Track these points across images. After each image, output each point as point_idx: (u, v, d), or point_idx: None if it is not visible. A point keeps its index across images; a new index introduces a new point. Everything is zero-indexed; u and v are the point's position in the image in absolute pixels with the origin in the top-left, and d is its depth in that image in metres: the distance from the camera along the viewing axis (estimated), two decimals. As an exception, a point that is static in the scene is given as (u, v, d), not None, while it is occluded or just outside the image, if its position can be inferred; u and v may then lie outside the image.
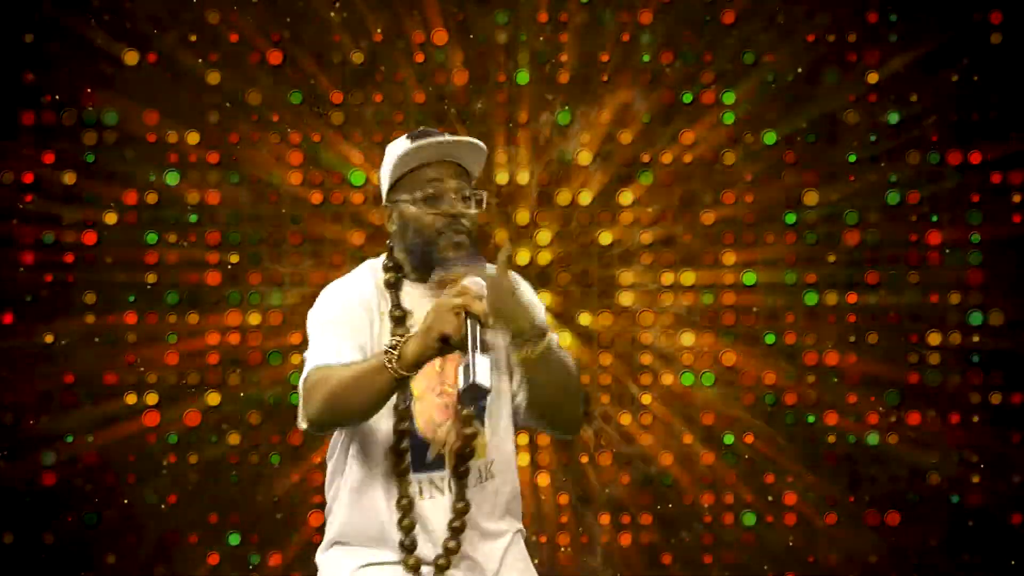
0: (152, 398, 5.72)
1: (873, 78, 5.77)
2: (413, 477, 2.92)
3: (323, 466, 5.84)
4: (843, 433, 5.78)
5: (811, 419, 5.79)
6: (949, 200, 5.79)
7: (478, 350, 2.60)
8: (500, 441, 2.98)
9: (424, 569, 2.94)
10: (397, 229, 2.96)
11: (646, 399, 5.77)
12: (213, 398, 5.73)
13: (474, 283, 2.75)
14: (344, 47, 5.74)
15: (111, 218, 5.73)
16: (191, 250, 5.76)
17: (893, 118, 5.79)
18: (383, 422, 2.92)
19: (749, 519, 5.76)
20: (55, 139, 5.70)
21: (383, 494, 2.95)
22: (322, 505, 5.82)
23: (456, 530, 2.92)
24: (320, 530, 5.77)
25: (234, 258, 5.77)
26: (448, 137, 2.95)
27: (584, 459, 5.75)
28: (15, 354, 5.69)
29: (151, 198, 5.74)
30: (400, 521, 2.92)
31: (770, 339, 5.80)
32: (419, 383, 2.91)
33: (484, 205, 2.96)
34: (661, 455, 5.77)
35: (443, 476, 2.93)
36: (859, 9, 5.77)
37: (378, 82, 5.76)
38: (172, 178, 5.75)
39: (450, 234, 2.89)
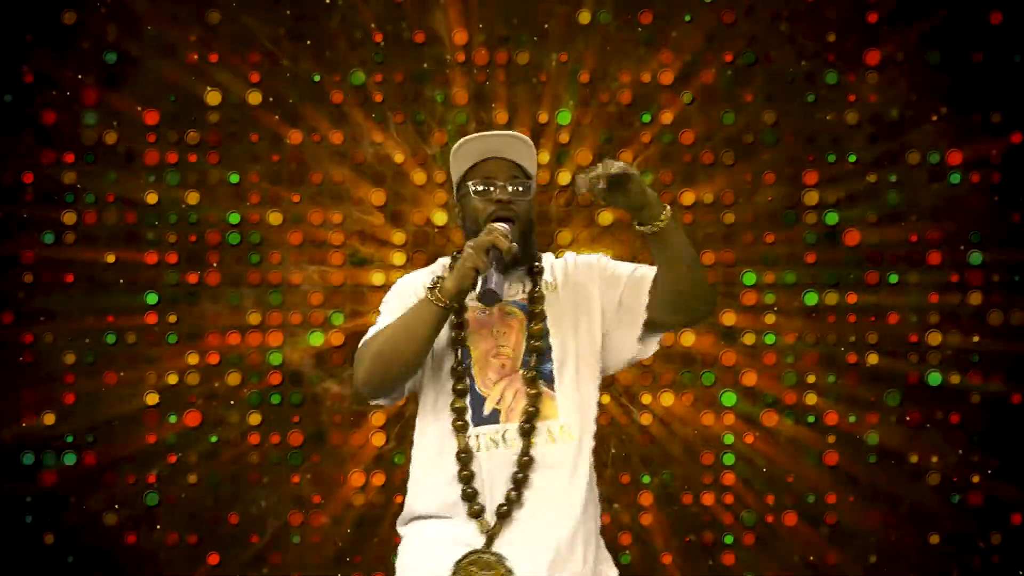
0: (152, 398, 5.72)
1: (873, 78, 5.78)
2: (472, 431, 3.14)
3: (323, 466, 5.88)
4: (843, 433, 5.78)
5: (811, 419, 5.79)
6: (949, 200, 5.80)
7: (496, 270, 3.04)
8: (574, 407, 3.18)
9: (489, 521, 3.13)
10: (461, 221, 3.31)
11: (646, 399, 5.77)
12: (213, 398, 5.73)
13: (500, 226, 3.12)
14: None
15: (111, 218, 5.73)
16: (191, 250, 5.76)
17: (893, 118, 5.79)
18: (445, 385, 3.19)
19: (749, 519, 5.76)
20: (55, 139, 5.70)
21: (446, 449, 3.16)
22: (320, 505, 5.86)
23: (519, 482, 3.10)
24: (319, 529, 5.80)
25: (233, 258, 5.77)
26: (491, 132, 3.28)
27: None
28: (15, 354, 5.69)
29: (151, 198, 5.75)
30: (460, 472, 3.12)
31: (770, 339, 5.80)
32: (478, 346, 3.20)
33: (532, 192, 3.27)
34: (660, 454, 5.78)
35: (498, 430, 3.15)
36: (859, 9, 5.77)
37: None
38: (172, 178, 5.76)
39: (499, 221, 3.18)
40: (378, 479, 5.73)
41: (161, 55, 5.73)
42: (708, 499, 5.77)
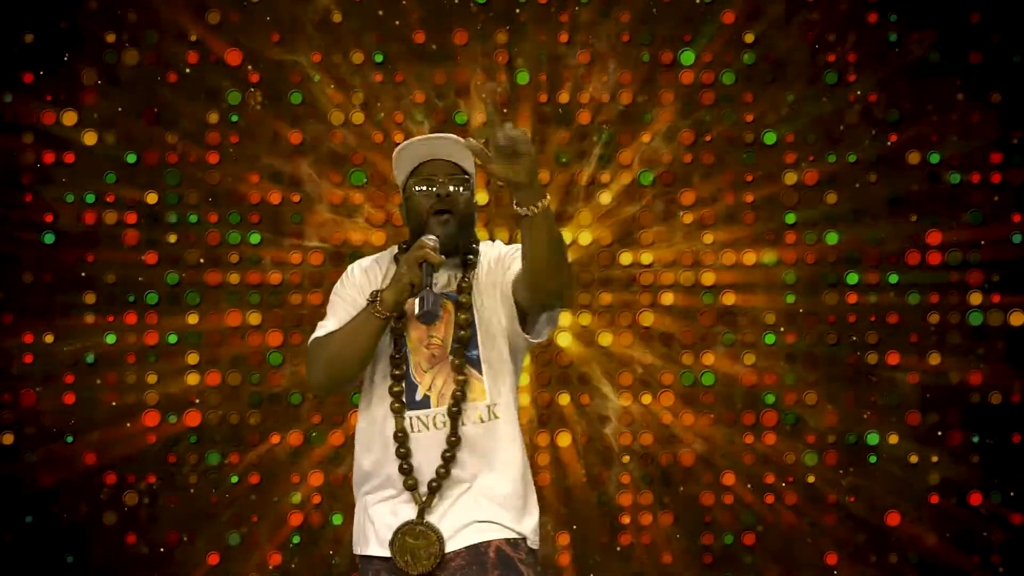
0: (152, 398, 5.72)
1: (873, 78, 5.77)
2: (407, 414, 3.44)
3: (322, 466, 5.87)
4: (843, 433, 5.78)
5: (811, 419, 5.79)
6: (949, 200, 5.79)
7: (431, 287, 3.33)
8: (499, 389, 3.47)
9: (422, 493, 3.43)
10: (405, 217, 3.55)
11: (646, 398, 5.77)
12: (213, 398, 5.74)
13: (429, 239, 3.39)
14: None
15: (111, 218, 5.73)
16: (191, 250, 5.76)
17: (893, 117, 5.79)
18: (384, 369, 3.48)
19: (749, 519, 5.76)
20: (55, 138, 5.70)
21: (383, 430, 3.45)
22: (319, 505, 5.85)
23: (448, 459, 3.40)
24: (320, 529, 5.80)
25: (233, 258, 5.77)
26: (429, 136, 3.55)
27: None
28: (15, 354, 5.69)
29: (151, 198, 5.75)
30: (397, 450, 3.42)
31: (769, 339, 5.80)
32: (411, 335, 3.48)
33: (471, 188, 3.53)
34: (659, 455, 5.77)
35: (429, 414, 3.44)
36: (859, 9, 5.77)
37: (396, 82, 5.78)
38: (172, 178, 5.76)
39: (437, 214, 3.47)
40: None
41: (161, 55, 5.73)
42: (707, 499, 5.77)
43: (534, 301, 3.42)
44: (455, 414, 3.42)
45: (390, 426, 3.45)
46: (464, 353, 3.45)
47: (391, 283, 3.40)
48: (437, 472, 3.41)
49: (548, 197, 3.23)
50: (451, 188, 3.49)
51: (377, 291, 3.41)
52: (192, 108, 5.76)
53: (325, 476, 5.74)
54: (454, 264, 3.50)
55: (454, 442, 3.42)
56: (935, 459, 5.76)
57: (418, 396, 3.46)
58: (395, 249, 3.61)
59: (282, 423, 5.75)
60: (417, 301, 3.32)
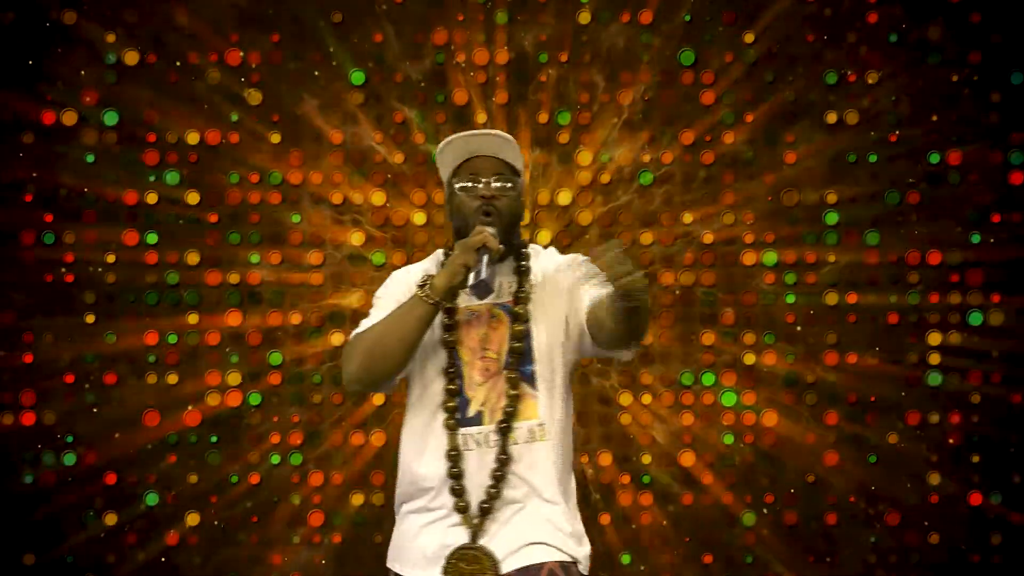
0: (152, 398, 5.72)
1: (873, 78, 5.77)
2: (460, 432, 3.30)
3: (322, 466, 5.88)
4: (843, 433, 5.78)
5: (811, 419, 5.79)
6: (949, 200, 5.80)
7: (487, 265, 3.17)
8: (552, 407, 3.33)
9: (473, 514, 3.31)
10: (449, 214, 3.40)
11: (646, 399, 5.77)
12: (213, 398, 5.73)
13: (488, 228, 3.23)
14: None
15: (111, 218, 5.73)
16: (190, 250, 5.76)
17: (893, 119, 5.79)
18: (435, 383, 3.33)
19: (749, 519, 5.76)
20: (55, 138, 5.70)
21: (433, 447, 3.32)
22: (319, 505, 5.86)
23: (498, 479, 3.27)
24: (319, 529, 5.80)
25: (234, 258, 5.77)
26: (474, 132, 3.38)
27: (584, 459, 5.76)
28: (15, 354, 5.69)
29: (151, 198, 5.74)
30: (450, 469, 3.28)
31: (769, 339, 5.80)
32: (465, 348, 3.32)
33: (518, 187, 3.37)
34: (659, 455, 5.77)
35: (481, 431, 3.30)
36: (859, 9, 5.77)
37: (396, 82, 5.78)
38: (172, 178, 5.75)
39: (481, 214, 3.31)
40: (377, 479, 5.73)
41: (161, 54, 5.73)
42: (707, 499, 5.77)
43: (611, 348, 3.30)
44: (505, 431, 3.29)
45: (440, 443, 3.31)
46: (517, 368, 3.31)
47: (444, 267, 3.27)
48: (488, 492, 3.29)
49: (647, 280, 3.13)
50: (496, 188, 3.34)
51: (428, 275, 3.28)
52: (191, 108, 5.75)
53: (325, 476, 5.74)
54: (506, 272, 3.38)
55: (504, 460, 3.29)
56: (935, 459, 5.77)
57: (470, 412, 3.32)
58: (439, 255, 3.48)
59: (282, 423, 5.75)
60: (472, 275, 3.17)
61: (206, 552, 5.72)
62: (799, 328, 5.81)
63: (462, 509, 3.29)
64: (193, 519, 5.71)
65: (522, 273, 3.38)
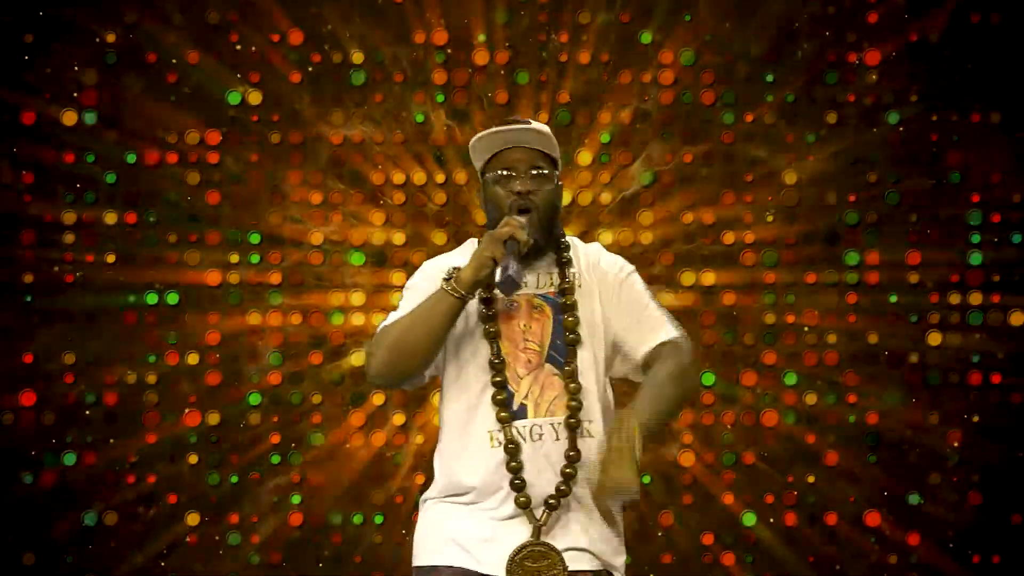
0: (152, 397, 5.72)
1: (873, 78, 5.77)
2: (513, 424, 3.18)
3: (323, 466, 5.87)
4: (843, 433, 5.77)
5: (811, 419, 5.79)
6: (949, 200, 5.79)
7: (514, 259, 3.08)
8: (600, 401, 3.22)
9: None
10: (484, 207, 3.31)
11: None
12: (213, 398, 5.73)
13: (516, 219, 3.15)
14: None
15: (111, 218, 5.73)
16: (191, 250, 5.76)
17: (893, 118, 5.79)
18: (477, 376, 3.20)
19: (749, 519, 5.76)
20: (55, 139, 5.70)
21: (477, 441, 3.19)
22: (319, 505, 5.84)
23: (568, 475, 3.15)
24: (320, 529, 5.80)
25: (234, 258, 5.77)
26: (509, 125, 3.28)
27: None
28: (15, 354, 5.68)
29: (151, 198, 5.74)
30: (508, 464, 3.15)
31: (769, 339, 5.80)
32: (505, 339, 3.21)
33: (555, 179, 3.27)
34: (659, 454, 5.77)
35: (526, 424, 3.17)
36: (860, 9, 5.77)
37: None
38: (172, 177, 5.76)
39: (516, 211, 3.22)
40: (377, 479, 5.73)
41: (161, 53, 5.73)
42: (707, 499, 5.77)
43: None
44: (573, 426, 3.17)
45: (483, 438, 3.18)
46: (565, 360, 3.20)
47: (471, 259, 3.16)
48: (557, 489, 3.15)
49: (638, 494, 3.02)
50: (532, 181, 3.24)
51: (455, 267, 3.18)
52: (191, 108, 5.76)
53: (325, 476, 5.74)
54: (547, 264, 3.28)
55: (573, 457, 3.16)
56: (935, 459, 5.76)
57: (515, 405, 3.20)
58: (473, 243, 3.34)
59: (282, 423, 5.75)
60: (499, 270, 3.08)
61: (206, 552, 5.71)
62: (798, 328, 5.80)
63: (524, 504, 3.16)
64: (193, 519, 5.71)
65: (564, 265, 3.27)
